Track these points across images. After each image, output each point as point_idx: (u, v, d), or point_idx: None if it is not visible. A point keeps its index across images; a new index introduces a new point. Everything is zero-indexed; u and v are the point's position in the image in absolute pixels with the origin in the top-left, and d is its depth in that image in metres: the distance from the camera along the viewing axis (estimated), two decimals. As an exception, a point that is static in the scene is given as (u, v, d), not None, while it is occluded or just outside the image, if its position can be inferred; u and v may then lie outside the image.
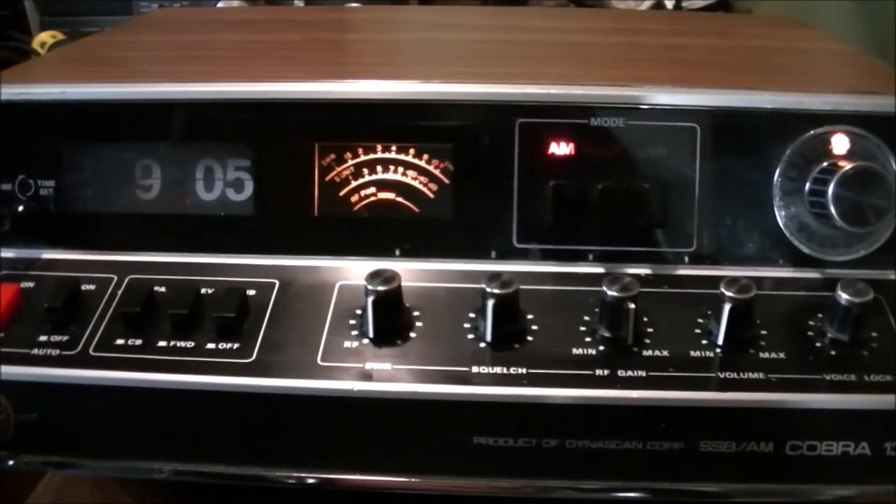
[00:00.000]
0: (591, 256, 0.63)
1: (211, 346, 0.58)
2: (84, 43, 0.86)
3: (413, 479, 0.58)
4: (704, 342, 0.58)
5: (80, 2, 1.38)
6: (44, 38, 1.25)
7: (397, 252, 0.64)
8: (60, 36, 1.26)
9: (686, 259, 0.63)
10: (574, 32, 0.88)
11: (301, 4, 1.34)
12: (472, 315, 0.59)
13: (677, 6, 1.37)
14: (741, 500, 0.58)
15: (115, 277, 0.62)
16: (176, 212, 0.65)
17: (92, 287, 0.62)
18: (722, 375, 0.56)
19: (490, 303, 0.56)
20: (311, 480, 0.59)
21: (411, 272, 0.62)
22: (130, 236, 0.65)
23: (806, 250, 0.62)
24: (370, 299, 0.57)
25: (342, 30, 0.89)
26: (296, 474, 0.59)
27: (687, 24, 0.94)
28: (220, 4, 1.29)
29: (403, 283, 0.58)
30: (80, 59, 0.79)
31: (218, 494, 0.68)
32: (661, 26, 0.92)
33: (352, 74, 0.65)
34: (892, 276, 0.62)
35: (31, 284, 0.62)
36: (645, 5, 1.40)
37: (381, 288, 0.56)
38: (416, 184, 0.63)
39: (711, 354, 0.57)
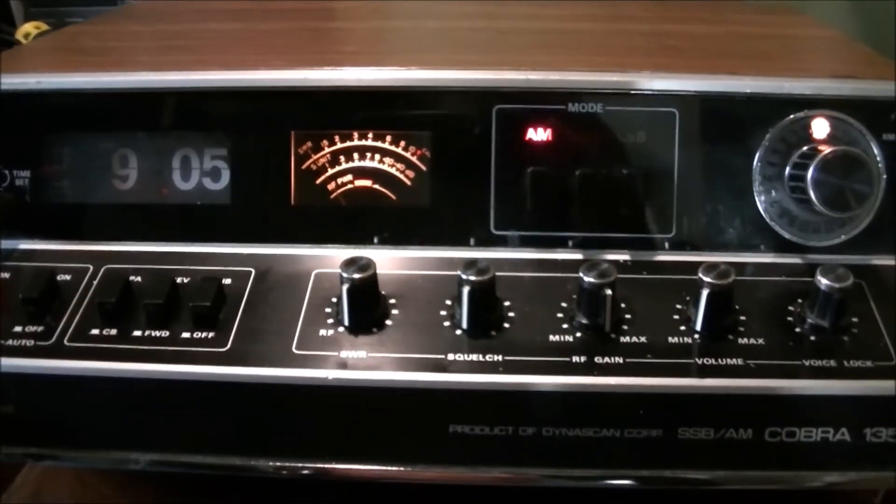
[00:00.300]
0: (570, 243, 0.63)
1: (187, 335, 0.58)
2: (66, 32, 0.86)
3: (389, 468, 0.58)
4: (683, 328, 0.57)
5: (66, -8, 1.38)
6: (28, 28, 1.25)
7: (375, 240, 0.63)
8: (45, 27, 1.26)
9: (666, 245, 0.62)
10: (558, 20, 0.87)
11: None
12: (448, 303, 0.59)
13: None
14: (720, 487, 0.58)
15: (91, 267, 0.62)
16: (153, 201, 0.65)
17: (68, 277, 0.61)
18: (700, 362, 0.56)
19: (466, 290, 0.56)
20: (285, 470, 0.58)
21: (389, 260, 0.62)
22: (107, 226, 0.65)
23: (787, 236, 0.62)
24: (345, 287, 0.56)
25: (324, 18, 0.89)
26: (271, 463, 0.58)
27: (675, 12, 0.93)
28: (206, -7, 1.28)
29: (381, 272, 0.58)
30: (61, 49, 0.79)
31: (195, 484, 0.68)
32: (649, 13, 0.91)
33: (328, 62, 0.65)
34: (874, 261, 0.61)
35: (6, 275, 0.62)
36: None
37: (356, 276, 0.56)
38: (393, 171, 0.63)
39: (690, 341, 0.57)
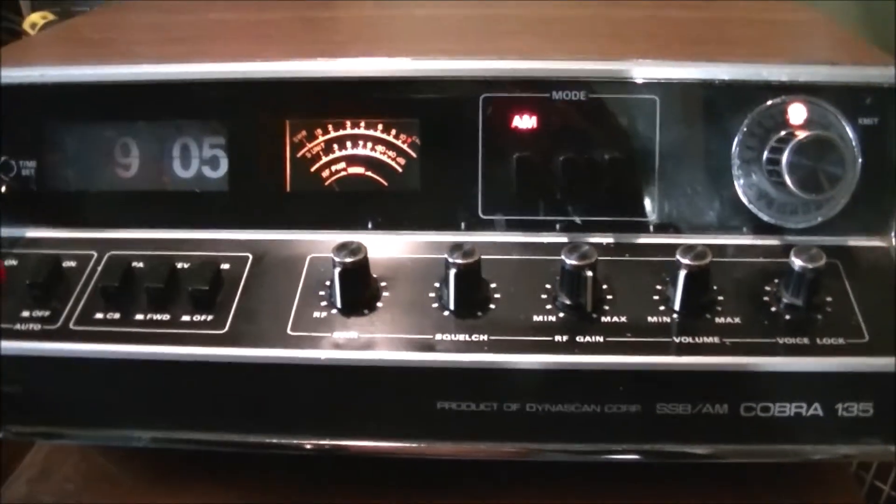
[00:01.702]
0: (557, 227, 0.65)
1: (186, 318, 0.60)
2: (69, 24, 0.88)
3: (379, 443, 0.61)
4: (662, 308, 0.60)
5: (72, -18, 1.39)
6: (35, 18, 1.26)
7: (369, 225, 0.65)
8: (51, 17, 1.27)
9: (648, 228, 0.64)
10: (546, 7, 0.89)
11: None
12: (437, 285, 0.61)
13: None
14: (697, 461, 0.60)
15: (95, 254, 0.64)
16: (154, 189, 0.67)
17: (73, 264, 0.64)
18: (678, 340, 0.58)
19: (452, 272, 0.58)
20: (281, 445, 0.61)
21: (380, 244, 0.64)
22: (110, 214, 0.67)
23: (765, 218, 0.64)
24: (337, 270, 0.58)
25: (319, 8, 0.90)
26: (267, 440, 0.61)
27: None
28: (206, -17, 1.30)
29: (372, 256, 0.60)
30: (64, 40, 0.80)
31: (194, 462, 0.70)
32: (634, 1, 0.93)
33: (321, 53, 0.67)
34: (850, 242, 0.63)
35: (13, 262, 0.64)
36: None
37: (347, 259, 0.58)
38: (384, 158, 0.65)
39: (668, 320, 0.59)
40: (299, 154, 0.66)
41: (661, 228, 0.64)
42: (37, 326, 0.60)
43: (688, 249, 0.58)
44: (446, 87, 0.65)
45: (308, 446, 0.61)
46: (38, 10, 1.34)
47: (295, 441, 0.61)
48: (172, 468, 0.70)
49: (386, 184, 0.65)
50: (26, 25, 1.27)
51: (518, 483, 0.68)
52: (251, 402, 0.60)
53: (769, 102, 0.63)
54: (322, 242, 0.64)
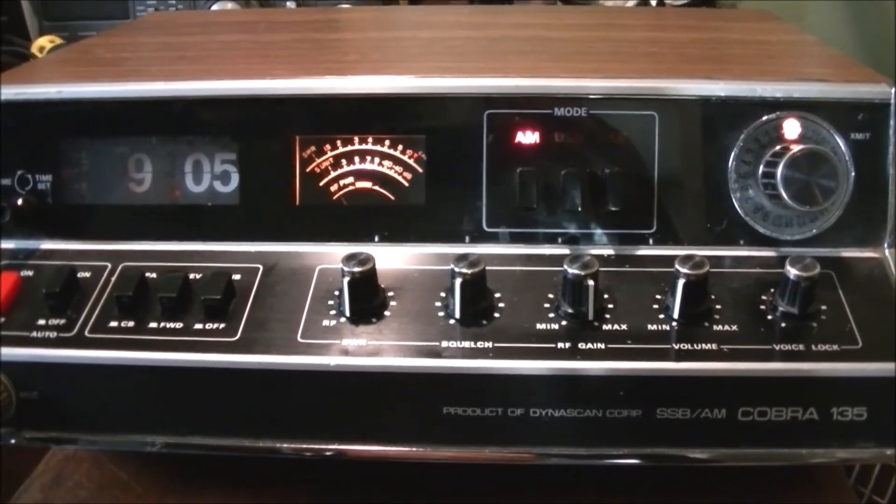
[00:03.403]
0: (559, 239, 0.66)
1: (199, 326, 0.62)
2: (81, 45, 0.89)
3: (387, 448, 0.62)
4: (662, 316, 0.61)
5: (79, 6, 1.40)
6: (42, 42, 1.28)
7: (376, 238, 0.67)
8: (59, 40, 1.29)
9: (647, 240, 0.66)
10: (549, 28, 0.91)
11: (293, 6, 1.37)
12: (443, 294, 0.63)
13: (660, 2, 1.40)
14: (695, 464, 0.61)
15: (109, 265, 0.66)
16: (166, 203, 0.69)
17: (87, 274, 0.65)
18: (677, 347, 0.59)
19: (458, 281, 0.59)
20: (290, 450, 0.62)
21: (388, 256, 0.65)
22: (123, 226, 0.68)
23: (761, 230, 0.65)
24: (346, 280, 0.60)
25: (326, 30, 0.92)
26: (277, 445, 0.62)
27: (661, 20, 0.97)
28: (214, 7, 1.32)
29: (380, 266, 0.62)
30: (77, 61, 0.82)
31: (206, 468, 0.72)
32: (635, 22, 0.95)
33: (330, 71, 0.69)
34: (844, 253, 0.65)
35: (30, 273, 0.66)
36: (632, 2, 1.43)
37: (356, 269, 0.60)
38: (391, 173, 0.67)
39: (668, 328, 0.61)
40: (308, 169, 0.67)
41: (660, 240, 0.66)
42: (53, 334, 0.62)
43: (686, 259, 0.60)
44: (451, 105, 0.67)
45: (316, 451, 0.62)
46: (46, 33, 1.36)
47: (304, 446, 0.62)
48: (183, 476, 0.72)
49: (393, 198, 0.67)
50: (34, 49, 1.28)
51: (520, 486, 0.69)
52: (262, 407, 0.62)
53: (764, 118, 0.65)
54: (331, 254, 0.66)
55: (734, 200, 0.65)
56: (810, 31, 0.87)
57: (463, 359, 0.59)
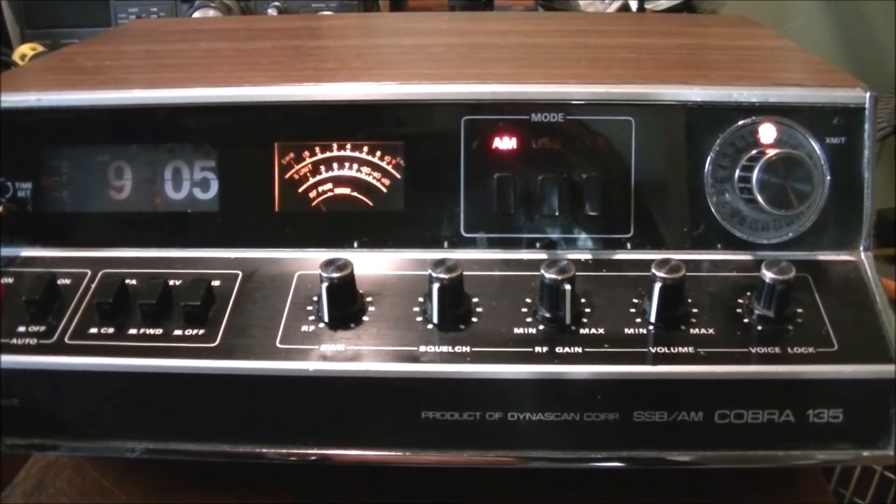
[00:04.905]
0: (537, 244, 0.67)
1: (178, 332, 0.62)
2: (62, 53, 0.89)
3: (366, 453, 0.62)
4: (639, 320, 0.62)
5: (61, 14, 1.40)
6: (24, 50, 1.28)
7: (355, 244, 0.67)
8: (41, 48, 1.29)
9: (624, 244, 0.66)
10: (530, 35, 0.91)
11: (275, 14, 1.37)
12: (421, 299, 0.63)
13: (641, 8, 1.41)
14: (673, 467, 0.62)
15: (90, 272, 0.66)
16: (146, 210, 0.69)
17: (68, 281, 0.65)
18: (654, 350, 0.60)
19: (436, 286, 0.60)
20: (270, 455, 0.62)
21: (366, 262, 0.66)
22: (104, 234, 0.69)
23: (738, 234, 0.66)
24: (324, 286, 0.60)
25: (307, 37, 0.93)
26: (257, 450, 0.62)
27: (641, 26, 0.97)
28: (195, 15, 1.32)
29: (359, 272, 0.62)
30: (58, 69, 0.82)
31: (189, 474, 0.72)
32: (616, 28, 0.96)
33: (309, 78, 0.69)
34: (819, 257, 0.66)
35: (10, 280, 0.66)
36: (613, 7, 1.43)
37: (334, 275, 0.60)
38: (370, 179, 0.67)
39: (645, 331, 0.61)
40: (287, 175, 0.68)
41: (638, 245, 0.66)
42: (33, 341, 0.62)
43: (662, 263, 0.60)
44: (429, 111, 0.67)
45: (296, 456, 0.62)
46: (28, 41, 1.36)
47: (283, 451, 0.62)
48: (166, 482, 0.72)
49: (371, 204, 0.68)
50: (16, 56, 1.28)
51: (502, 488, 0.70)
52: (241, 413, 0.62)
53: (740, 123, 0.65)
54: (309, 260, 0.66)
55: (711, 205, 0.66)
56: (792, 36, 0.88)
57: (441, 363, 0.60)
